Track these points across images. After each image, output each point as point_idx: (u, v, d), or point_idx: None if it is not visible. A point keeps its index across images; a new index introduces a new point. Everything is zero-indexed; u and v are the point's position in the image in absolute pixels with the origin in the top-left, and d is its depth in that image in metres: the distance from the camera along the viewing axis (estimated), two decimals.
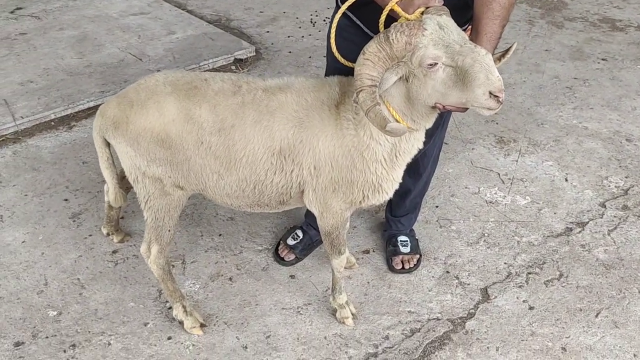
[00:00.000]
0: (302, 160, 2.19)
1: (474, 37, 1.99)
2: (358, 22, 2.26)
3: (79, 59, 4.45)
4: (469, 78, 1.79)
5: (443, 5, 1.92)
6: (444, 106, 1.93)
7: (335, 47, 2.11)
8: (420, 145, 2.19)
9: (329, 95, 2.17)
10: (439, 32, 1.84)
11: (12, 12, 5.17)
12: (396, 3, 1.92)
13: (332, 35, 2.12)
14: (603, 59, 4.72)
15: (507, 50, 1.99)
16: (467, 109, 1.91)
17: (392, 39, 1.84)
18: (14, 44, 4.64)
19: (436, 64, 1.83)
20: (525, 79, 4.43)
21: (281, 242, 2.90)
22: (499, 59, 1.96)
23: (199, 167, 2.23)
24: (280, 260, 2.84)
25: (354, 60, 1.96)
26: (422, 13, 1.89)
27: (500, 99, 1.80)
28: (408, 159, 2.22)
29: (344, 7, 2.10)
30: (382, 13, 1.97)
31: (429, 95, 1.91)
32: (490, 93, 1.78)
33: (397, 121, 1.98)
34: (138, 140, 2.19)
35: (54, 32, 4.85)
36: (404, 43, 1.84)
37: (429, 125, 2.10)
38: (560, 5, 5.67)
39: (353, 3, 2.10)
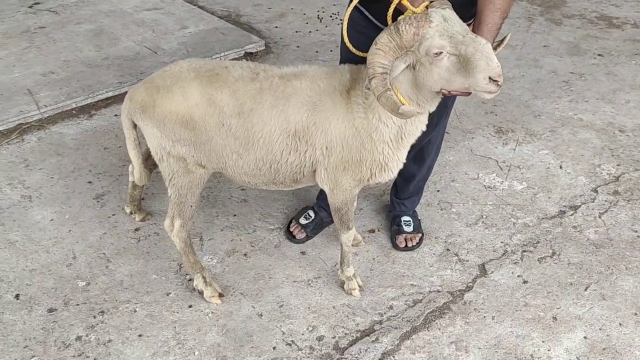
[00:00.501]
0: (315, 141, 2.39)
1: (476, 27, 2.19)
2: (370, 16, 2.46)
3: (96, 52, 4.65)
4: (471, 65, 1.99)
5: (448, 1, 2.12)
6: (449, 91, 2.13)
7: (347, 39, 2.31)
8: (424, 128, 2.39)
9: (340, 82, 2.37)
10: (443, 24, 2.03)
11: (30, 7, 5.37)
12: None
13: (345, 27, 2.32)
14: (599, 55, 4.91)
15: (502, 40, 2.19)
16: (470, 93, 2.11)
17: (402, 30, 2.04)
18: (33, 37, 4.84)
19: (441, 52, 2.03)
20: (524, 73, 4.62)
21: (293, 220, 3.10)
22: (495, 48, 2.16)
23: (219, 147, 2.43)
24: (291, 237, 3.05)
25: (366, 51, 2.16)
26: (427, 7, 2.09)
27: (499, 83, 2.00)
28: (412, 140, 2.42)
29: (355, 1, 2.30)
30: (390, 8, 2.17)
31: (435, 82, 2.11)
32: (490, 78, 1.99)
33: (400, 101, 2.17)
34: (164, 122, 2.39)
35: (72, 26, 5.05)
36: (413, 34, 2.03)
37: (433, 108, 2.30)
38: (559, 3, 5.86)
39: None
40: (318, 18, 5.45)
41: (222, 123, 2.37)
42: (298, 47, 4.96)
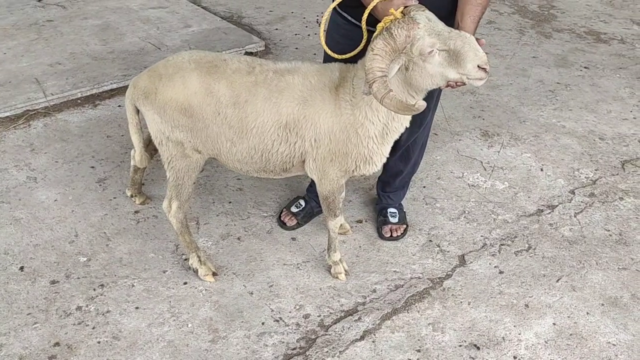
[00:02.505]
0: (304, 134, 2.56)
1: (459, 20, 2.39)
2: (353, 20, 2.63)
3: (102, 46, 4.83)
4: (461, 57, 2.18)
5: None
6: (453, 85, 2.31)
7: (324, 43, 2.52)
8: (407, 125, 2.56)
9: (330, 79, 2.54)
10: (429, 23, 2.22)
11: (39, 1, 5.56)
12: (378, 2, 2.31)
13: (322, 33, 2.51)
14: (585, 67, 5.12)
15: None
16: (464, 83, 2.28)
17: (395, 34, 2.20)
18: (42, 30, 5.02)
19: (433, 50, 2.21)
20: (512, 82, 4.82)
21: (284, 209, 3.27)
22: None
23: (215, 135, 2.59)
24: (282, 224, 3.21)
25: (348, 52, 2.35)
26: (402, 12, 2.26)
27: (487, 70, 2.20)
28: (396, 136, 2.59)
29: (332, 5, 2.48)
30: (370, 13, 2.36)
31: (431, 76, 2.28)
32: (479, 66, 2.18)
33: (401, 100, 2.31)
34: (164, 108, 2.56)
35: (79, 20, 5.23)
36: (405, 36, 2.21)
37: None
38: (550, 17, 6.08)
39: (345, 4, 2.52)
40: (317, 22, 5.65)
41: (219, 112, 2.53)
42: (297, 48, 5.15)
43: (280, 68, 2.57)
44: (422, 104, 2.24)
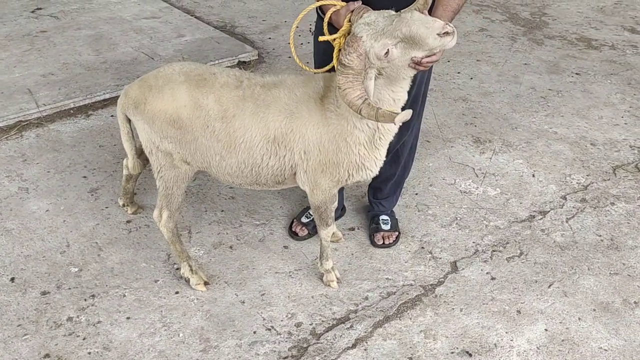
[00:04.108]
0: (293, 146, 2.56)
1: (433, 10, 2.40)
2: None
3: (95, 56, 4.84)
4: (417, 38, 2.14)
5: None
6: (418, 61, 2.24)
7: (295, 53, 2.54)
8: (398, 127, 2.56)
9: (314, 90, 2.54)
10: (370, 28, 2.20)
11: (32, 12, 5.57)
12: (330, 17, 2.39)
13: (292, 43, 2.54)
14: (577, 74, 5.15)
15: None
16: (439, 57, 2.24)
17: (347, 62, 2.21)
18: (35, 40, 5.03)
19: (388, 50, 2.18)
20: (504, 89, 4.84)
21: (295, 220, 3.27)
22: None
23: (204, 148, 2.59)
24: (294, 235, 3.21)
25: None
26: (349, 20, 2.29)
27: (449, 30, 2.12)
28: (390, 138, 2.58)
29: (302, 15, 2.48)
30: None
31: (403, 66, 2.25)
32: (438, 35, 2.13)
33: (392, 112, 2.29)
34: (153, 119, 2.56)
35: (72, 31, 5.25)
36: (356, 57, 2.20)
37: (405, 98, 2.43)
38: (541, 24, 6.12)
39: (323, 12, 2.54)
40: (310, 31, 5.66)
41: (207, 125, 2.53)
42: (290, 57, 5.17)
43: (267, 82, 2.58)
44: (404, 116, 2.19)
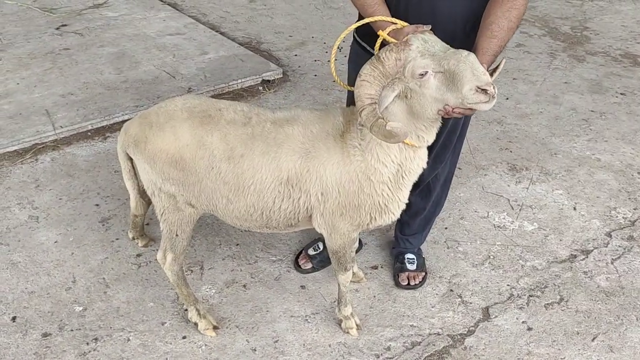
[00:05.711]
0: (309, 188, 2.33)
1: (484, 26, 2.18)
2: (371, 50, 2.44)
3: (116, 75, 4.73)
4: (457, 77, 1.93)
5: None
6: (449, 111, 2.05)
7: (335, 72, 2.34)
8: (424, 165, 2.33)
9: (333, 126, 2.33)
10: (424, 45, 2.00)
11: (57, 29, 5.51)
12: (388, 33, 2.16)
13: (332, 61, 2.35)
14: (622, 94, 4.81)
15: (496, 67, 2.12)
16: (474, 110, 2.03)
17: (383, 58, 2.02)
18: (57, 58, 4.95)
19: (427, 72, 1.98)
20: (542, 110, 4.55)
21: (303, 251, 3.08)
22: (491, 74, 2.08)
23: (210, 190, 2.39)
24: (297, 267, 3.02)
25: None
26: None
27: (489, 91, 1.91)
28: (414, 178, 2.36)
29: (344, 33, 2.28)
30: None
31: (430, 104, 2.05)
32: (479, 88, 1.91)
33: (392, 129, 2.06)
34: (154, 159, 2.37)
35: (95, 48, 5.16)
36: (394, 59, 2.01)
37: (432, 139, 2.23)
38: (583, 39, 5.78)
39: (366, 33, 2.32)
40: (338, 48, 5.45)
41: (212, 166, 2.33)
42: (315, 75, 4.98)
43: (279, 118, 2.37)
44: (394, 126, 2.00)
